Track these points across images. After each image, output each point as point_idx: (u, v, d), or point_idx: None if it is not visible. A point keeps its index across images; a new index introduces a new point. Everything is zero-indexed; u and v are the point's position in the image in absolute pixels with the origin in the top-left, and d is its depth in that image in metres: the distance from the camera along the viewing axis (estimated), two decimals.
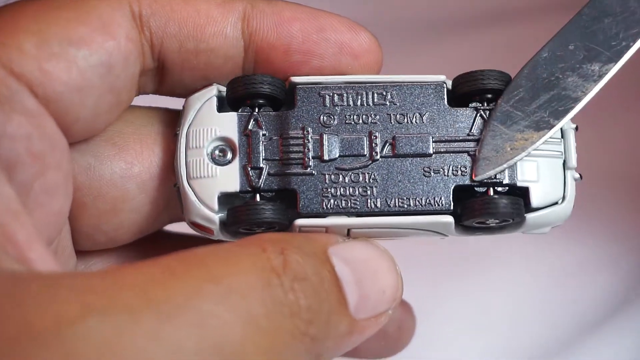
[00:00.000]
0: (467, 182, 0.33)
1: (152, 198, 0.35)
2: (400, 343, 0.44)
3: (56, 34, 0.31)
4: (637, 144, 0.60)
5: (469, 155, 0.34)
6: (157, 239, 0.38)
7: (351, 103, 0.34)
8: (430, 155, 0.33)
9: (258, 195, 0.33)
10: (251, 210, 0.32)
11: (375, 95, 0.34)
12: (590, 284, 0.57)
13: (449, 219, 0.33)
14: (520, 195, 0.33)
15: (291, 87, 0.34)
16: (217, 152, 0.33)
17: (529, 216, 0.33)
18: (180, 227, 0.37)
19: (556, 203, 0.34)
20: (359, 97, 0.34)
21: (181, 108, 0.35)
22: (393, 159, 0.33)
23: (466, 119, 0.34)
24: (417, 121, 0.34)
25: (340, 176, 0.33)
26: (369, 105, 0.34)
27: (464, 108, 0.34)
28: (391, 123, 0.34)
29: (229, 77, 0.34)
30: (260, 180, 0.33)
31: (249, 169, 0.33)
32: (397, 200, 0.33)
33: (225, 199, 0.33)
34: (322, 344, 0.29)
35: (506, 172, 0.33)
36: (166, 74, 0.34)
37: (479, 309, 0.57)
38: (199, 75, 0.35)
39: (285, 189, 0.33)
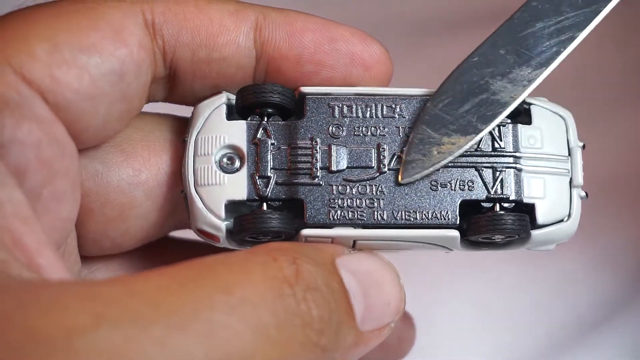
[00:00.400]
0: (474, 197, 0.33)
1: (159, 205, 0.35)
2: (400, 354, 0.44)
3: (68, 41, 0.31)
4: (637, 145, 0.60)
5: (476, 170, 0.34)
6: (162, 245, 0.38)
7: (360, 115, 0.34)
8: (438, 169, 0.34)
9: (265, 204, 0.33)
10: (258, 219, 0.32)
11: (385, 107, 0.34)
12: (590, 285, 0.57)
13: (455, 233, 0.33)
14: (526, 211, 0.34)
15: (301, 97, 0.34)
16: (225, 160, 0.33)
17: (535, 233, 0.33)
18: (186, 234, 0.37)
19: (562, 220, 0.34)
20: (368, 109, 0.34)
21: (190, 115, 0.35)
22: None
23: None
24: None
25: (348, 187, 0.33)
26: (378, 117, 0.34)
27: None
28: (399, 136, 0.34)
29: (240, 86, 0.35)
30: (268, 189, 0.33)
31: (257, 177, 0.33)
32: (403, 213, 0.33)
33: (232, 207, 0.33)
34: (331, 355, 0.29)
35: (513, 188, 0.33)
36: (177, 83, 0.34)
37: (480, 310, 0.57)
38: (210, 84, 0.35)
39: (292, 198, 0.33)
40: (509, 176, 0.34)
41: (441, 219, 0.33)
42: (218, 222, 0.33)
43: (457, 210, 0.33)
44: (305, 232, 0.33)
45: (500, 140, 0.34)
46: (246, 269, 0.28)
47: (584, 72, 0.58)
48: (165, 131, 0.35)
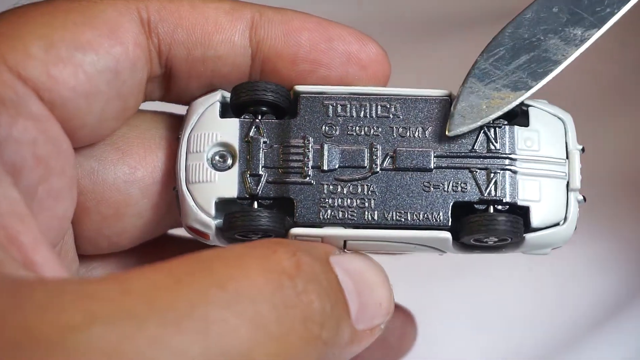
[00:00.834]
0: (467, 198, 0.33)
1: (155, 203, 0.35)
2: (402, 351, 0.44)
3: (64, 38, 0.31)
4: (637, 145, 0.59)
5: (470, 172, 0.33)
6: (160, 244, 0.38)
7: (354, 114, 0.34)
8: (430, 170, 0.33)
9: (256, 202, 0.33)
10: (247, 217, 0.32)
11: (379, 107, 0.34)
12: (590, 284, 0.56)
13: (447, 235, 0.33)
14: (520, 214, 0.33)
15: (295, 96, 0.34)
16: (217, 157, 0.34)
17: (529, 236, 0.33)
18: (185, 232, 0.37)
19: (557, 224, 0.33)
20: (363, 108, 0.34)
21: (186, 110, 0.35)
22: (393, 172, 0.33)
23: (469, 135, 0.33)
24: (420, 135, 0.34)
25: (339, 187, 0.33)
26: (372, 117, 0.34)
27: None
28: (393, 136, 0.34)
29: (235, 84, 0.35)
30: (259, 188, 0.33)
31: (248, 175, 0.33)
32: (394, 213, 0.33)
33: (223, 204, 0.33)
34: (331, 350, 0.29)
35: (507, 190, 0.33)
36: (173, 81, 0.35)
37: (479, 309, 0.56)
38: (205, 82, 0.35)
39: (282, 197, 0.33)
40: (504, 178, 0.33)
41: (433, 220, 0.33)
42: (208, 220, 0.33)
43: (449, 211, 0.33)
44: (295, 231, 0.33)
45: (496, 141, 0.33)
46: (243, 263, 0.27)
47: (582, 72, 0.58)
48: (161, 129, 0.35)
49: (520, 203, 0.33)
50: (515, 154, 0.33)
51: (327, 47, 0.34)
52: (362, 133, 0.34)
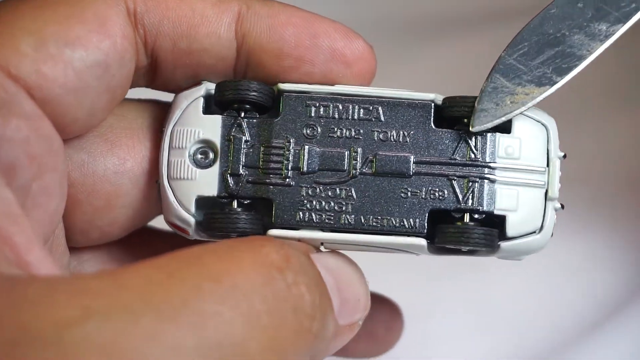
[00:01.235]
0: (444, 206, 0.33)
1: (145, 193, 0.35)
2: (388, 344, 0.45)
3: (53, 34, 0.31)
4: (637, 144, 0.59)
5: (448, 179, 0.33)
6: (151, 233, 0.38)
7: (336, 116, 0.34)
8: (409, 176, 0.33)
9: (235, 202, 0.33)
10: (225, 219, 0.33)
11: (362, 110, 0.34)
12: (590, 283, 0.56)
13: (422, 242, 0.33)
14: (496, 223, 0.33)
15: (278, 93, 0.34)
16: (199, 154, 0.34)
17: (504, 244, 0.33)
18: None
19: (533, 233, 0.34)
20: (345, 110, 0.34)
21: (171, 101, 0.35)
22: (372, 176, 0.33)
23: (450, 142, 0.34)
24: (401, 140, 0.34)
25: (318, 189, 0.33)
26: (354, 119, 0.34)
27: (450, 130, 0.34)
28: (374, 140, 0.34)
29: (221, 75, 0.35)
30: (238, 187, 0.33)
31: (228, 174, 0.33)
32: (371, 218, 0.33)
33: (203, 201, 0.34)
34: (320, 343, 0.30)
35: (484, 199, 0.33)
36: (158, 71, 0.35)
37: (479, 309, 0.57)
38: (191, 73, 0.35)
39: (262, 197, 0.33)
40: (482, 187, 0.33)
41: (409, 227, 0.33)
42: (188, 217, 0.33)
43: (426, 219, 0.33)
44: (273, 232, 0.33)
45: (476, 149, 0.33)
46: (234, 257, 0.28)
47: (581, 72, 0.57)
48: (148, 118, 0.35)
49: (497, 212, 0.33)
50: (495, 163, 0.33)
51: (311, 44, 0.34)
52: (343, 136, 0.34)
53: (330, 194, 0.33)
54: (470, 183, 0.33)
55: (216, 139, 0.34)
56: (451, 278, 0.56)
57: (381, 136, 0.34)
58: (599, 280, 0.56)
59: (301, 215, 0.33)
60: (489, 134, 0.34)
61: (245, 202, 0.34)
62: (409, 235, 0.33)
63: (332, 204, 0.33)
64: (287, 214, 0.33)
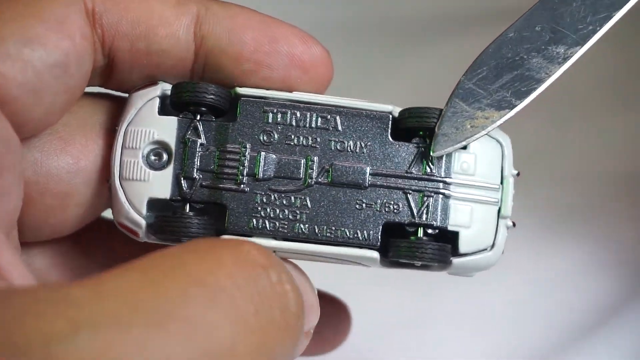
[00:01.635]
0: (398, 220, 0.33)
1: (98, 190, 0.34)
2: (335, 343, 0.45)
3: (12, 33, 0.30)
4: (635, 146, 0.59)
5: (403, 193, 0.33)
6: (97, 226, 0.38)
7: (294, 123, 0.33)
8: (365, 187, 0.33)
9: (188, 206, 0.33)
10: (177, 223, 0.32)
11: (319, 118, 0.34)
12: (588, 285, 0.57)
13: (375, 254, 0.33)
14: (449, 239, 0.33)
15: (235, 97, 0.34)
16: (152, 155, 0.33)
17: (456, 261, 0.33)
18: None
19: (484, 250, 0.34)
20: (303, 118, 0.33)
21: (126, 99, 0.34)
22: (327, 186, 0.33)
23: (407, 155, 0.33)
24: (357, 151, 0.33)
25: (272, 197, 0.33)
26: (312, 127, 0.33)
27: (407, 143, 0.34)
28: (331, 149, 0.33)
29: (178, 76, 0.34)
30: (192, 191, 0.33)
31: (182, 177, 0.33)
32: (325, 229, 0.33)
33: (155, 204, 0.33)
34: (301, 343, 0.29)
35: (438, 215, 0.33)
36: (114, 72, 0.34)
37: (477, 311, 0.57)
38: (147, 74, 0.34)
39: (215, 202, 0.33)
40: (436, 202, 0.33)
41: (362, 239, 0.33)
42: (138, 218, 0.33)
43: (380, 232, 0.33)
44: (225, 238, 0.33)
45: (432, 164, 0.33)
46: (216, 255, 0.27)
47: (580, 72, 0.58)
48: (102, 114, 0.35)
49: (450, 228, 0.33)
50: (450, 178, 0.33)
51: (271, 49, 0.34)
52: (300, 143, 0.33)
53: (285, 202, 0.33)
54: (426, 197, 0.33)
55: (171, 140, 0.33)
56: (448, 280, 0.56)
57: (338, 146, 0.33)
58: (596, 282, 0.57)
59: (255, 223, 0.33)
60: None
61: (198, 206, 0.33)
62: (361, 247, 0.33)
63: (287, 212, 0.33)
64: (241, 221, 0.33)
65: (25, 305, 0.24)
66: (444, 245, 0.33)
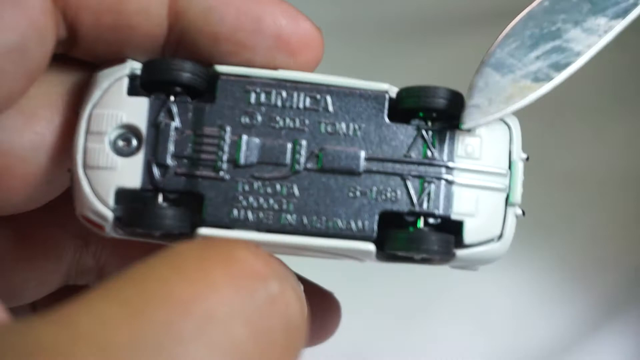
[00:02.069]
0: (396, 208, 0.30)
1: (65, 168, 0.31)
2: (323, 337, 0.41)
3: None
4: (635, 147, 0.58)
5: (402, 179, 0.30)
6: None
7: (279, 104, 0.30)
8: (359, 174, 0.30)
9: (160, 196, 0.29)
10: (149, 215, 0.29)
11: (308, 98, 0.30)
12: (588, 285, 0.55)
13: (370, 247, 0.30)
14: (453, 229, 0.30)
15: (214, 77, 0.30)
16: (120, 141, 0.30)
17: (460, 253, 0.30)
18: None
19: (492, 240, 0.30)
20: (289, 98, 0.30)
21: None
22: (317, 173, 0.30)
23: (405, 138, 0.30)
24: (350, 134, 0.30)
25: (255, 185, 0.30)
26: (299, 109, 0.30)
27: (405, 125, 0.30)
28: (321, 132, 0.30)
29: (148, 54, 0.31)
30: (165, 179, 0.29)
31: (154, 164, 0.29)
32: (315, 219, 0.30)
33: (123, 194, 0.29)
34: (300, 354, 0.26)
35: (441, 202, 0.30)
36: (77, 47, 0.30)
37: (479, 310, 0.55)
38: (114, 50, 0.30)
39: (191, 192, 0.29)
40: (438, 189, 0.30)
41: (356, 230, 0.30)
42: (105, 210, 0.29)
43: (376, 222, 0.30)
44: (203, 231, 0.29)
45: (434, 147, 0.30)
46: (205, 273, 0.24)
47: (579, 73, 0.57)
48: (68, 83, 0.31)
49: (453, 217, 0.30)
50: (453, 162, 0.30)
51: (254, 28, 0.30)
52: (286, 126, 0.30)
53: (269, 190, 0.30)
54: (426, 184, 0.30)
55: (141, 124, 0.30)
56: (448, 281, 0.55)
57: (329, 128, 0.30)
58: (598, 281, 0.55)
59: (236, 213, 0.29)
60: (447, 131, 0.30)
61: (172, 196, 0.29)
62: (355, 240, 0.30)
63: (272, 201, 0.29)
64: (220, 211, 0.29)
65: None
66: (447, 236, 0.29)
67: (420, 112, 0.30)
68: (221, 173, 0.29)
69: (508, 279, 0.55)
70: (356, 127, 0.30)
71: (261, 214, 0.29)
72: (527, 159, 0.31)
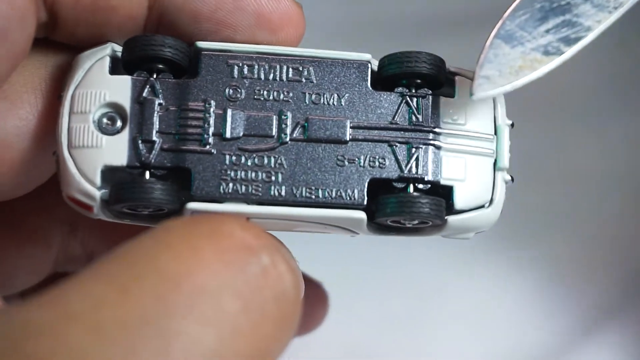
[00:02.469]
0: (385, 175, 0.30)
1: (50, 153, 0.30)
2: (310, 327, 0.41)
3: None
4: (636, 147, 0.58)
5: (389, 146, 0.30)
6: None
7: (262, 76, 0.30)
8: (345, 142, 0.30)
9: (147, 172, 0.29)
10: (137, 189, 0.28)
11: (291, 70, 0.30)
12: (587, 286, 0.55)
13: (361, 215, 0.29)
14: (443, 194, 0.30)
15: (196, 53, 0.30)
16: (105, 119, 0.29)
17: (451, 219, 0.30)
18: None
19: (482, 206, 0.30)
20: (272, 70, 0.30)
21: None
22: (304, 143, 0.30)
23: (390, 105, 0.30)
24: (335, 103, 0.30)
25: (243, 158, 0.29)
26: (282, 80, 0.30)
27: (389, 92, 0.30)
28: (305, 103, 0.30)
29: (129, 36, 0.30)
30: (151, 156, 0.29)
31: (140, 141, 0.29)
32: (304, 189, 0.29)
33: (110, 173, 0.29)
34: (295, 329, 0.26)
35: (430, 167, 0.30)
36: (58, 29, 0.30)
37: (477, 311, 0.55)
38: (94, 33, 0.30)
39: (178, 167, 0.29)
40: (426, 154, 0.30)
41: (347, 199, 0.29)
42: (92, 190, 0.29)
43: (365, 189, 0.30)
44: (192, 205, 0.29)
45: (419, 113, 0.30)
46: (194, 248, 0.24)
47: (580, 72, 0.57)
48: (51, 67, 0.31)
49: (443, 182, 0.30)
50: (440, 128, 0.30)
51: (234, 7, 0.30)
52: (271, 98, 0.30)
53: (257, 162, 0.29)
54: (414, 149, 0.30)
55: (125, 101, 0.29)
56: (449, 279, 0.55)
57: (313, 98, 0.30)
58: (598, 281, 0.55)
59: (224, 187, 0.29)
60: (431, 97, 0.30)
61: (160, 172, 0.29)
62: (346, 208, 0.29)
63: (260, 173, 0.29)
64: (208, 185, 0.29)
65: None
66: (438, 199, 0.29)
67: (403, 79, 0.30)
68: (208, 147, 0.29)
69: (507, 280, 0.55)
70: (340, 96, 0.30)
71: (250, 187, 0.29)
72: (512, 125, 0.31)
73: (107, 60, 0.30)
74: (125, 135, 0.29)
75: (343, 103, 0.30)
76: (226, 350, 0.22)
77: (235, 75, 0.30)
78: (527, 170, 0.55)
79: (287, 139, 0.30)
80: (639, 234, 0.57)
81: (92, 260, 0.38)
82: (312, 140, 0.30)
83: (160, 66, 0.30)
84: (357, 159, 0.30)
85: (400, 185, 0.30)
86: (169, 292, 0.22)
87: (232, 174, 0.29)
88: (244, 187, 0.29)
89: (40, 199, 0.34)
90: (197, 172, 0.29)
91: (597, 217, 0.57)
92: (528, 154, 0.56)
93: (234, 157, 0.29)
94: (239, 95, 0.30)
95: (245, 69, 0.30)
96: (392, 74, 0.30)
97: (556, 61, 0.29)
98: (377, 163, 0.30)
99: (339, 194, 0.29)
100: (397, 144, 0.30)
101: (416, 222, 0.30)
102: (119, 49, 0.30)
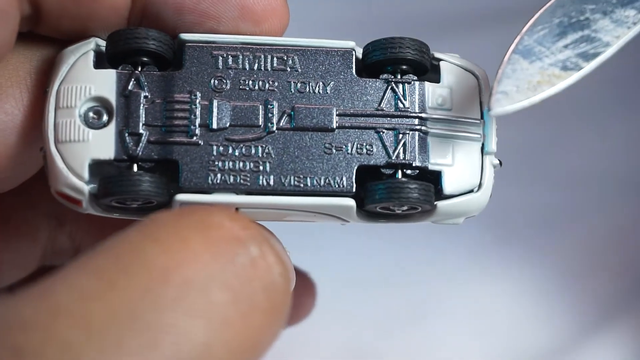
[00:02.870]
0: (373, 162, 0.30)
1: (36, 148, 0.30)
2: (298, 318, 0.41)
3: None
4: (637, 146, 0.58)
5: (376, 132, 0.30)
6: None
7: (247, 67, 0.30)
8: (332, 130, 0.30)
9: (135, 165, 0.29)
10: (125, 182, 0.28)
11: (275, 59, 0.30)
12: (588, 287, 0.55)
13: (350, 202, 0.29)
14: (431, 180, 0.30)
15: (180, 45, 0.30)
16: (91, 114, 0.29)
17: (440, 204, 0.30)
18: None
19: (471, 191, 0.30)
20: (257, 60, 0.30)
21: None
22: (291, 132, 0.30)
23: (376, 92, 0.30)
24: (321, 91, 0.30)
25: (230, 148, 0.29)
26: (267, 70, 0.30)
27: (374, 79, 0.30)
28: (291, 92, 0.30)
29: (112, 29, 0.30)
30: (139, 148, 0.29)
31: (126, 134, 0.29)
32: (292, 178, 0.29)
33: (98, 167, 0.29)
34: (285, 320, 0.25)
35: (417, 153, 0.30)
36: (41, 23, 0.30)
37: (478, 311, 0.55)
38: (78, 26, 0.30)
39: (166, 159, 0.29)
40: (413, 140, 0.30)
41: (335, 186, 0.29)
42: (80, 184, 0.29)
43: (354, 176, 0.30)
44: (181, 197, 0.29)
45: (405, 99, 0.30)
46: (182, 240, 0.24)
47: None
48: (36, 61, 0.31)
49: (431, 167, 0.30)
50: (426, 113, 0.30)
51: None
52: (256, 88, 0.30)
53: (244, 152, 0.29)
54: (401, 135, 0.30)
55: (110, 95, 0.29)
56: (450, 279, 0.55)
57: (299, 87, 0.30)
58: (598, 282, 0.55)
59: (213, 177, 0.29)
60: (417, 83, 0.30)
61: (147, 165, 0.29)
62: (335, 196, 0.29)
63: (248, 163, 0.29)
64: (196, 177, 0.29)
65: None
66: (427, 184, 0.29)
67: (388, 65, 0.30)
68: (195, 138, 0.29)
69: (507, 280, 0.55)
70: (326, 84, 0.30)
71: (238, 177, 0.29)
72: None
73: (92, 54, 0.30)
74: (111, 128, 0.29)
75: (329, 91, 0.30)
76: (216, 341, 0.22)
77: (220, 66, 0.30)
78: (528, 170, 0.55)
79: (274, 128, 0.30)
80: (639, 233, 0.57)
81: (80, 253, 0.38)
82: (299, 128, 0.30)
83: (145, 59, 0.30)
84: (344, 147, 0.30)
85: (388, 171, 0.30)
86: (157, 285, 0.22)
87: (220, 164, 0.29)
88: (232, 178, 0.29)
89: (26, 193, 0.34)
90: (185, 164, 0.29)
91: (598, 216, 0.57)
92: (528, 153, 0.56)
93: (221, 148, 0.29)
94: (224, 86, 0.30)
95: (230, 60, 0.30)
96: (377, 61, 0.30)
97: (574, 77, 0.29)
98: (364, 150, 0.30)
99: (327, 181, 0.29)
100: (384, 130, 0.30)
101: (405, 208, 0.30)
102: (103, 43, 0.30)
